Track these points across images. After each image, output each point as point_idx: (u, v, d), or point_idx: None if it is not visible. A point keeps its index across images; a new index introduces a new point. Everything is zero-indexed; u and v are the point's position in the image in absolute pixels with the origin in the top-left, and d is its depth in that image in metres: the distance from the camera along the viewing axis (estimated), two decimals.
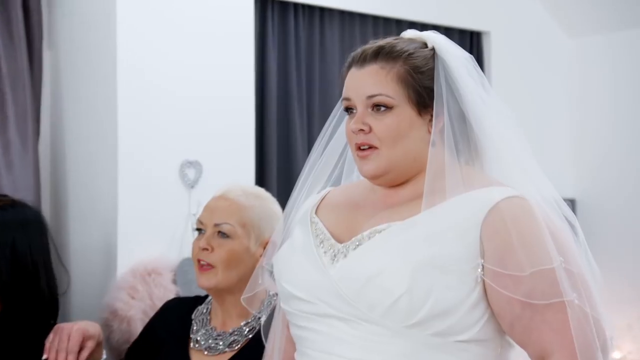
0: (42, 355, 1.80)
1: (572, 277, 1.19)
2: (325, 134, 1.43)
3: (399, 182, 1.30)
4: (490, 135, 1.29)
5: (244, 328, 1.76)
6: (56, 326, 1.85)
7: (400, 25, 3.40)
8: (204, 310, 1.84)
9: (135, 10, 2.65)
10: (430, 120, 1.27)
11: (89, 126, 2.72)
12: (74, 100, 2.78)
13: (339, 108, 1.39)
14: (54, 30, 2.82)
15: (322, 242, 1.30)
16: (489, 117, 1.29)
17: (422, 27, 3.33)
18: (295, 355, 1.33)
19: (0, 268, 1.88)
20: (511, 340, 1.26)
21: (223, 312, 1.79)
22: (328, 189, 1.43)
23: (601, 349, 1.19)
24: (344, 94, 1.32)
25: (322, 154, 1.43)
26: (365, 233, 1.26)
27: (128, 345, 2.03)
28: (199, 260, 1.78)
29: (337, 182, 1.44)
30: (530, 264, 1.17)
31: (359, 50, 1.32)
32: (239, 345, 1.75)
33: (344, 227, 1.31)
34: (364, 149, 1.28)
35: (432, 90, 1.27)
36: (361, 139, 1.28)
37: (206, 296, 1.88)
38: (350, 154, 1.38)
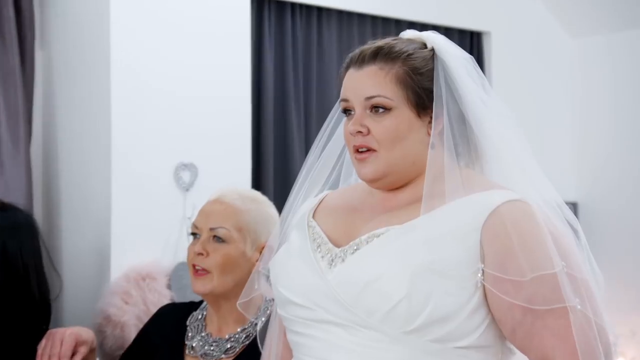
0: None
1: (575, 282, 1.18)
2: (322, 136, 1.42)
3: (398, 186, 1.30)
4: (491, 137, 1.29)
5: (241, 334, 1.76)
6: (48, 331, 1.85)
7: (399, 25, 3.40)
8: (199, 316, 1.83)
9: (129, 10, 2.65)
10: (430, 122, 1.27)
11: (81, 127, 2.72)
12: (67, 101, 2.78)
13: (336, 109, 1.39)
14: (47, 30, 2.82)
15: (319, 246, 1.30)
16: (489, 119, 1.29)
17: (422, 27, 3.33)
18: None
19: None
20: (512, 347, 1.26)
21: (219, 318, 1.79)
22: (325, 192, 1.43)
23: (604, 356, 1.19)
24: (342, 95, 1.32)
25: (319, 156, 1.43)
26: (364, 237, 1.25)
27: (122, 352, 2.02)
28: (194, 266, 1.77)
29: (334, 185, 1.44)
30: (531, 269, 1.17)
31: (357, 50, 1.32)
32: (235, 352, 1.75)
33: (341, 231, 1.31)
34: (362, 152, 1.28)
35: (432, 92, 1.27)
36: (359, 141, 1.28)
37: (201, 302, 1.87)
38: (348, 156, 1.38)
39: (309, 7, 3.22)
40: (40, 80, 2.80)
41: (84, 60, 2.72)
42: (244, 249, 1.77)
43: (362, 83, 1.28)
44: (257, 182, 3.02)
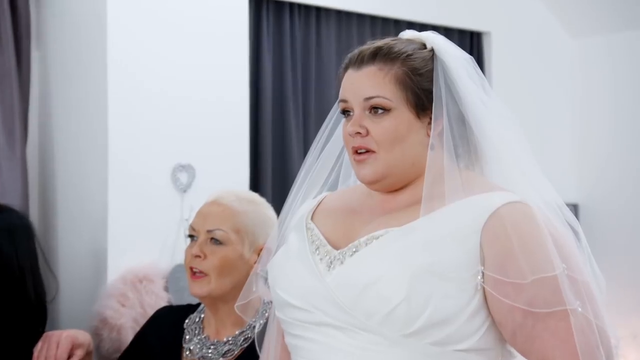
0: None
1: (575, 284, 1.18)
2: (321, 137, 1.42)
3: (397, 187, 1.30)
4: (491, 139, 1.29)
5: (239, 337, 1.76)
6: (45, 334, 1.85)
7: (399, 25, 3.40)
8: (197, 319, 1.83)
9: (126, 10, 2.65)
10: (429, 123, 1.27)
11: (78, 128, 2.72)
12: (63, 102, 2.78)
13: (335, 110, 1.39)
14: (43, 30, 2.82)
15: (318, 248, 1.30)
16: (489, 120, 1.29)
17: (421, 27, 3.33)
18: None
19: None
20: (512, 350, 1.26)
21: (216, 321, 1.79)
22: (324, 194, 1.43)
23: (606, 358, 1.19)
24: (341, 95, 1.32)
25: (318, 157, 1.43)
26: (362, 239, 1.25)
27: (118, 355, 2.02)
28: (191, 268, 1.77)
29: (333, 187, 1.44)
30: (531, 271, 1.17)
31: (356, 51, 1.32)
32: (233, 355, 1.75)
33: (340, 233, 1.31)
34: (360, 153, 1.28)
35: (431, 93, 1.27)
36: (358, 142, 1.28)
37: (198, 304, 1.87)
38: (347, 157, 1.38)
39: (307, 7, 3.23)
40: (37, 81, 2.80)
41: (80, 61, 2.72)
42: (242, 251, 1.77)
43: (361, 84, 1.28)
44: (255, 184, 3.02)
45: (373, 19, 3.43)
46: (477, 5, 3.70)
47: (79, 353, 1.82)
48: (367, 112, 1.28)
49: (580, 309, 1.17)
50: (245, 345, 1.74)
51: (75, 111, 2.73)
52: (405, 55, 1.28)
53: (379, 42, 1.32)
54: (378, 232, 1.25)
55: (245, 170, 2.89)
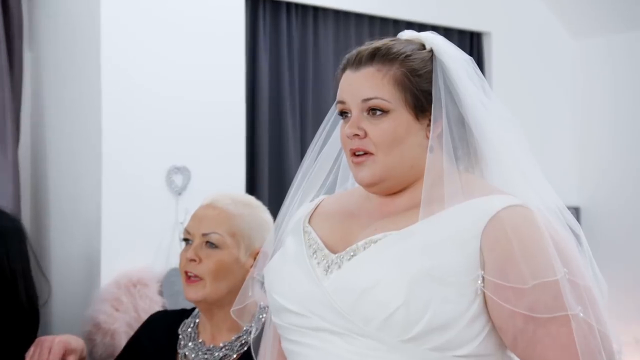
0: None
1: (577, 289, 1.18)
2: (319, 138, 1.42)
3: (396, 190, 1.30)
4: (491, 141, 1.29)
5: (235, 342, 1.75)
6: (37, 339, 1.85)
7: (398, 25, 3.40)
8: (192, 324, 1.83)
9: (120, 9, 2.65)
10: (428, 125, 1.27)
11: (71, 129, 2.72)
12: (56, 103, 2.77)
13: (333, 112, 1.39)
14: (35, 31, 2.82)
15: (315, 252, 1.30)
16: (489, 122, 1.29)
17: (420, 27, 3.34)
18: None
19: None
20: (512, 356, 1.26)
21: (212, 326, 1.79)
22: (322, 197, 1.43)
23: None
24: (339, 97, 1.32)
25: (315, 159, 1.43)
26: (360, 243, 1.25)
27: None
28: (186, 272, 1.77)
29: (331, 189, 1.44)
30: (532, 276, 1.17)
31: (354, 51, 1.32)
32: None
33: (338, 237, 1.31)
34: (359, 155, 1.28)
35: (430, 94, 1.27)
36: (356, 144, 1.28)
37: (192, 309, 1.87)
38: (345, 160, 1.38)
39: (304, 7, 3.23)
40: (29, 81, 2.80)
41: (74, 61, 2.72)
42: (238, 255, 1.77)
43: (359, 85, 1.28)
44: (252, 186, 3.02)
45: (371, 19, 3.43)
46: (477, 5, 3.70)
47: (72, 359, 1.82)
48: (365, 114, 1.28)
49: (582, 314, 1.17)
50: (242, 350, 1.74)
51: (68, 112, 2.73)
52: (404, 56, 1.28)
53: (378, 43, 1.32)
54: (376, 235, 1.25)
55: (241, 172, 2.89)
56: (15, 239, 2.01)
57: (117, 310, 2.45)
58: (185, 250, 1.80)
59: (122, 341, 2.32)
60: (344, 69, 1.32)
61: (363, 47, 1.32)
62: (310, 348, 1.25)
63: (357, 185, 1.34)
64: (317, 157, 1.43)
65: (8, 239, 1.98)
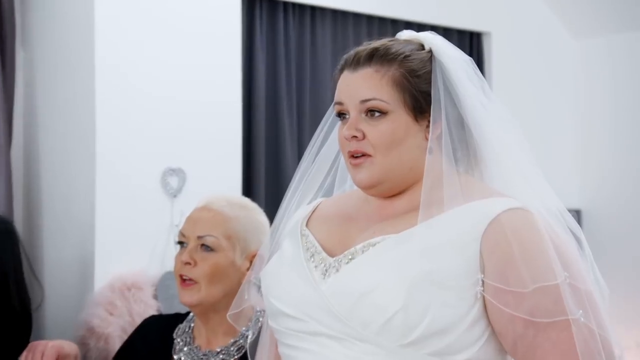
0: None
1: (578, 293, 1.19)
2: (316, 140, 1.42)
3: (394, 193, 1.30)
4: (491, 142, 1.29)
5: (232, 347, 1.75)
6: (30, 344, 1.85)
7: (396, 25, 3.41)
8: (187, 329, 1.83)
9: (115, 8, 2.65)
10: (427, 127, 1.27)
11: (65, 130, 2.72)
12: (49, 103, 2.77)
13: (331, 113, 1.39)
14: (28, 30, 2.82)
15: (312, 255, 1.30)
16: (489, 123, 1.29)
17: (419, 27, 3.34)
18: None
19: None
20: None
21: (207, 330, 1.79)
22: (320, 199, 1.43)
23: None
24: (336, 98, 1.32)
25: (313, 161, 1.43)
26: (359, 246, 1.25)
27: None
28: (181, 276, 1.77)
29: (329, 192, 1.44)
30: (532, 280, 1.17)
31: (352, 52, 1.32)
32: None
33: (336, 240, 1.31)
34: (357, 157, 1.28)
35: (429, 95, 1.27)
36: (354, 146, 1.28)
37: (187, 313, 1.87)
38: (343, 161, 1.38)
39: (302, 6, 3.23)
40: (21, 81, 2.80)
41: (68, 61, 2.72)
42: (233, 258, 1.77)
43: (357, 86, 1.28)
44: (248, 188, 3.02)
45: (370, 19, 3.43)
46: (477, 5, 3.71)
47: None
48: (363, 115, 1.28)
49: (582, 319, 1.17)
50: (239, 355, 1.74)
51: (62, 112, 2.73)
52: (402, 56, 1.28)
53: (376, 43, 1.32)
54: (375, 239, 1.25)
55: (237, 174, 2.89)
56: (8, 241, 2.01)
57: (111, 314, 2.45)
58: (180, 254, 1.80)
59: (116, 346, 2.32)
60: (341, 70, 1.32)
61: (361, 48, 1.32)
62: (307, 353, 1.25)
63: (355, 187, 1.34)
64: (314, 158, 1.43)
65: (0, 242, 1.97)
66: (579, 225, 1.30)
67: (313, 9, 3.26)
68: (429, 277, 1.18)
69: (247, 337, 1.73)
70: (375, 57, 1.28)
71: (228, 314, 1.49)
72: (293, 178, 1.45)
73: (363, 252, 1.24)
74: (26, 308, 2.01)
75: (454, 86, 1.28)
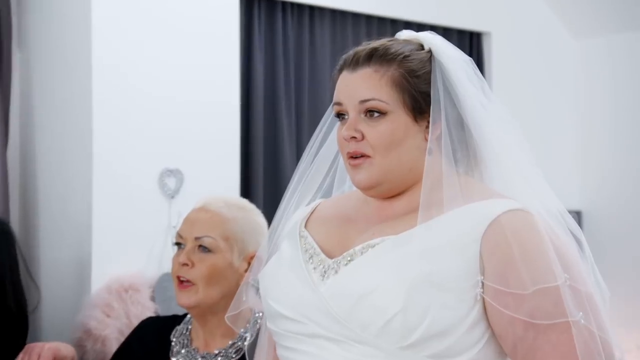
0: None
1: (578, 295, 1.19)
2: (315, 141, 1.42)
3: (394, 194, 1.30)
4: (491, 143, 1.29)
5: (230, 349, 1.75)
6: (26, 346, 1.84)
7: (395, 25, 3.41)
8: (184, 331, 1.83)
9: (112, 8, 2.65)
10: (427, 127, 1.27)
11: (62, 130, 2.72)
12: (46, 103, 2.77)
13: (329, 113, 1.39)
14: (25, 31, 2.82)
15: (311, 257, 1.30)
16: (489, 123, 1.30)
17: (419, 27, 3.34)
18: None
19: None
20: None
21: (205, 333, 1.79)
22: (318, 200, 1.43)
23: None
24: (335, 98, 1.32)
25: (312, 162, 1.43)
26: (358, 248, 1.25)
27: None
28: (178, 277, 1.77)
29: (327, 193, 1.44)
30: (533, 282, 1.17)
31: (351, 52, 1.32)
32: None
33: (335, 241, 1.31)
34: (356, 158, 1.28)
35: (429, 95, 1.27)
36: (353, 147, 1.28)
37: (184, 315, 1.87)
38: (342, 162, 1.38)
39: (300, 6, 3.23)
40: (18, 82, 2.80)
41: (65, 61, 2.72)
42: (231, 259, 1.77)
43: (356, 86, 1.28)
44: (246, 189, 3.02)
45: (369, 19, 3.43)
46: (476, 5, 3.71)
47: None
48: (362, 116, 1.28)
49: (583, 321, 1.17)
50: (237, 357, 1.74)
51: (59, 112, 2.73)
52: (402, 56, 1.28)
53: (375, 43, 1.32)
54: (374, 240, 1.25)
55: (235, 175, 2.89)
56: (4, 243, 2.01)
57: (108, 316, 2.45)
58: (177, 255, 1.80)
59: (113, 348, 2.32)
60: (340, 70, 1.32)
61: (360, 48, 1.32)
62: (306, 355, 1.25)
63: (354, 188, 1.34)
64: (313, 159, 1.43)
65: None
66: (579, 227, 1.30)
67: (312, 8, 3.27)
68: (428, 278, 1.18)
69: (245, 339, 1.73)
70: (374, 57, 1.28)
71: (226, 315, 1.49)
72: (292, 179, 1.45)
73: (362, 253, 1.24)
74: (22, 309, 2.01)
75: (454, 86, 1.28)
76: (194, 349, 1.78)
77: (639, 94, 3.91)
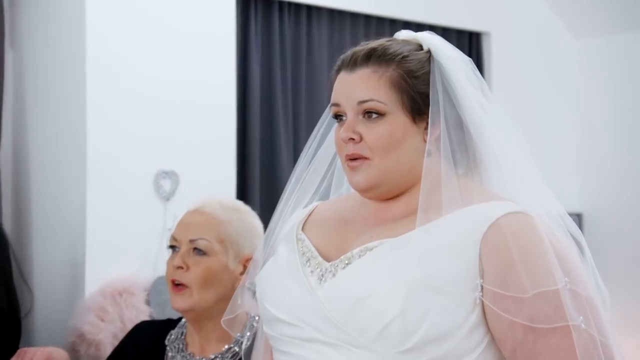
0: None
1: (579, 299, 1.19)
2: (312, 142, 1.42)
3: (392, 196, 1.30)
4: (490, 144, 1.29)
5: (227, 354, 1.75)
6: (18, 350, 1.84)
7: (394, 25, 3.41)
8: (179, 335, 1.83)
9: (106, 7, 2.64)
10: (426, 129, 1.28)
11: (55, 132, 2.71)
12: (40, 103, 2.77)
13: (327, 114, 1.39)
14: (17, 30, 2.81)
15: (308, 260, 1.30)
16: (488, 125, 1.30)
17: (418, 27, 3.35)
18: None
19: None
20: None
21: (200, 337, 1.78)
22: (316, 203, 1.43)
23: None
24: (333, 99, 1.32)
25: (309, 164, 1.43)
26: (355, 251, 1.25)
27: None
28: (173, 281, 1.77)
29: (325, 195, 1.44)
30: (532, 285, 1.17)
31: (349, 52, 1.32)
32: None
33: (332, 244, 1.31)
34: (354, 160, 1.28)
35: (428, 96, 1.27)
36: (351, 149, 1.28)
37: (179, 319, 1.87)
38: (339, 164, 1.38)
39: (297, 5, 3.23)
40: (11, 81, 2.79)
41: (59, 60, 2.71)
42: (227, 262, 1.76)
43: (354, 87, 1.28)
44: (243, 191, 3.02)
45: (367, 18, 3.44)
46: (476, 5, 3.72)
47: None
48: (360, 117, 1.28)
49: (583, 325, 1.17)
50: None
51: (53, 112, 2.73)
52: (400, 56, 1.28)
53: (373, 43, 1.32)
54: (372, 243, 1.25)
55: (231, 177, 2.89)
56: None
57: (102, 320, 2.45)
58: (172, 258, 1.79)
59: (107, 352, 2.31)
60: (338, 71, 1.32)
61: (358, 48, 1.32)
62: None
63: (352, 190, 1.34)
64: (310, 161, 1.43)
65: None
66: (579, 230, 1.30)
67: (309, 8, 3.27)
68: (427, 282, 1.18)
69: (241, 343, 1.73)
70: (372, 57, 1.28)
71: (222, 319, 1.49)
72: (289, 181, 1.45)
73: (360, 256, 1.24)
74: (15, 312, 2.00)
75: (453, 87, 1.28)
76: (189, 354, 1.78)
77: (638, 94, 3.91)
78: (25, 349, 1.85)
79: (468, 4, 3.68)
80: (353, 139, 1.27)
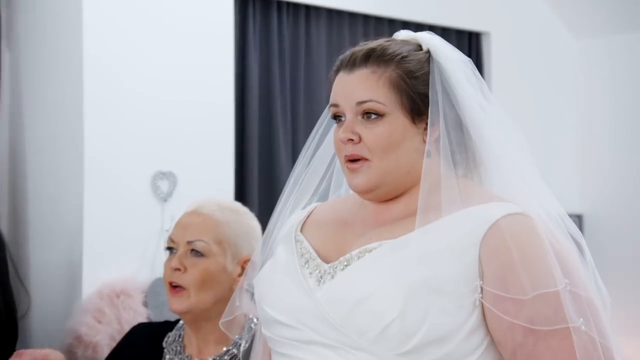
0: None
1: (579, 300, 1.19)
2: (311, 143, 1.42)
3: (392, 197, 1.30)
4: (490, 145, 1.29)
5: (225, 356, 1.75)
6: (15, 352, 1.84)
7: (393, 25, 3.41)
8: (177, 337, 1.82)
9: (104, 7, 2.64)
10: (425, 129, 1.28)
11: (52, 132, 2.71)
12: (36, 104, 2.77)
13: (326, 115, 1.39)
14: (13, 31, 2.81)
15: (307, 262, 1.30)
16: (488, 125, 1.30)
17: (417, 27, 3.35)
18: None
19: None
20: None
21: (198, 339, 1.78)
22: (314, 204, 1.43)
23: None
24: (332, 100, 1.32)
25: (308, 165, 1.43)
26: (354, 252, 1.25)
27: None
28: (170, 283, 1.76)
29: (324, 196, 1.44)
30: (532, 287, 1.17)
31: (348, 52, 1.32)
32: None
33: (331, 246, 1.31)
34: (353, 161, 1.28)
35: (427, 97, 1.27)
36: (350, 150, 1.28)
37: (177, 321, 1.86)
38: (338, 165, 1.38)
39: (296, 5, 3.23)
40: (7, 82, 2.79)
41: (55, 60, 2.71)
42: (224, 264, 1.76)
43: (353, 87, 1.28)
44: (241, 192, 3.02)
45: (366, 18, 3.44)
46: (476, 5, 3.72)
47: None
48: (359, 118, 1.28)
49: (583, 327, 1.17)
50: None
51: (49, 113, 2.72)
52: (399, 57, 1.28)
53: (372, 43, 1.32)
54: (371, 244, 1.25)
55: (230, 177, 2.89)
56: None
57: (99, 322, 2.44)
58: (169, 260, 1.79)
59: (104, 354, 2.31)
60: (337, 71, 1.32)
61: (357, 48, 1.32)
62: None
63: (351, 191, 1.34)
64: (309, 162, 1.43)
65: None
66: (579, 231, 1.30)
67: (307, 8, 3.27)
68: (426, 283, 1.18)
69: (239, 345, 1.73)
70: (371, 57, 1.28)
71: (220, 321, 1.49)
72: (287, 182, 1.45)
73: (359, 258, 1.24)
74: (12, 313, 2.00)
75: (452, 88, 1.28)
76: (187, 356, 1.78)
77: (638, 94, 3.92)
78: (22, 350, 1.85)
79: (468, 4, 3.68)
80: (352, 140, 1.27)
